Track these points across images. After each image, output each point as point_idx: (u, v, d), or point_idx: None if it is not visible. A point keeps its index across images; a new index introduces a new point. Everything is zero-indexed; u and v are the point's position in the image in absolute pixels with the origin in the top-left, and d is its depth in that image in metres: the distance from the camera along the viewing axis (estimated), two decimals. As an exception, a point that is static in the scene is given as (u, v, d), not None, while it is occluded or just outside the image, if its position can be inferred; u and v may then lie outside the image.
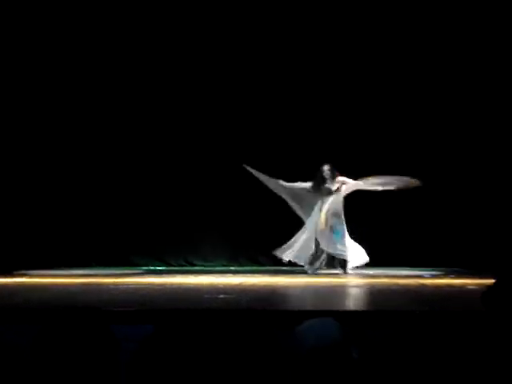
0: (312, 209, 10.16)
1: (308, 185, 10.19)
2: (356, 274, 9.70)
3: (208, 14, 11.53)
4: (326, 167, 10.08)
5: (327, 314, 2.40)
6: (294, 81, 11.55)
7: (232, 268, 11.29)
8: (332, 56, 11.45)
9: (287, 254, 10.04)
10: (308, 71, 11.53)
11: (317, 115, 11.50)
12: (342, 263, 9.87)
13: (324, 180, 10.07)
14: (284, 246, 10.08)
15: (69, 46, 11.50)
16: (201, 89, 11.66)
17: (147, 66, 11.65)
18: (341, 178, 10.08)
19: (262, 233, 11.55)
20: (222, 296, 6.13)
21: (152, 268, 11.36)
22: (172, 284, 7.91)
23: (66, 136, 11.63)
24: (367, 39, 11.32)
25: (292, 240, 10.11)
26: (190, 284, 8.01)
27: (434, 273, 9.70)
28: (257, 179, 11.21)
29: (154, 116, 11.71)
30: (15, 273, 9.53)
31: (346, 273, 9.75)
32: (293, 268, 10.89)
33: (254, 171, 10.30)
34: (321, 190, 10.10)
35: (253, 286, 7.66)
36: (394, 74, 11.34)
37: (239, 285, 7.78)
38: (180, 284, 7.97)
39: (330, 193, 10.05)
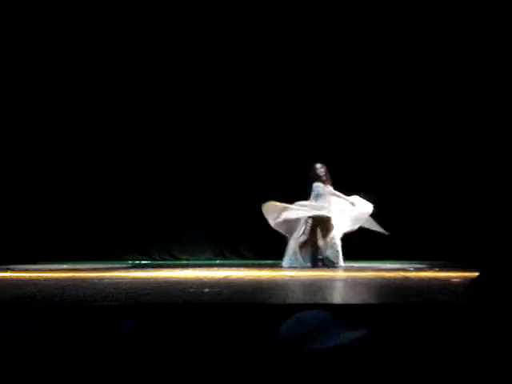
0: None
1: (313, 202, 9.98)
2: (342, 267, 9.74)
3: (206, 14, 11.54)
4: (319, 165, 9.96)
5: (316, 308, 2.41)
6: (288, 83, 11.61)
7: (217, 262, 11.30)
8: (327, 61, 11.48)
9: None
10: (302, 76, 11.57)
11: (308, 118, 11.53)
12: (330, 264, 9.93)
13: (320, 178, 9.94)
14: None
15: (69, 46, 11.48)
16: (193, 87, 11.69)
17: (145, 63, 11.64)
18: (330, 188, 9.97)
19: (247, 227, 11.58)
20: (207, 290, 6.13)
21: (137, 262, 11.35)
22: (157, 278, 7.90)
23: (51, 133, 11.62)
24: (364, 42, 11.35)
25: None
26: (175, 278, 8.00)
27: (418, 266, 9.75)
28: (240, 174, 11.27)
29: (139, 114, 11.71)
30: (-1, 267, 9.50)
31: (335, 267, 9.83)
32: (277, 261, 10.92)
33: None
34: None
35: (238, 279, 7.66)
36: (390, 78, 11.39)
37: (224, 278, 7.78)
38: (165, 278, 7.96)
39: (331, 193, 9.95)
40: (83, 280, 7.58)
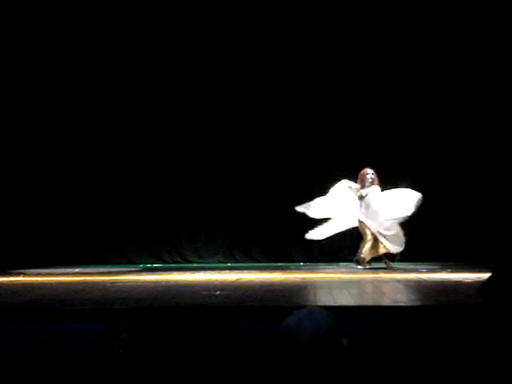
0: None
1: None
2: (354, 269, 9.73)
3: (209, 13, 11.51)
4: (370, 171, 10.07)
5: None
6: (292, 81, 11.53)
7: (228, 264, 11.29)
8: (334, 59, 11.43)
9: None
10: (309, 74, 11.50)
11: (323, 119, 11.46)
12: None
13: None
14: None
15: (69, 46, 11.49)
16: (197, 85, 11.65)
17: (146, 64, 11.63)
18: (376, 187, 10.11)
19: (258, 229, 11.56)
20: (218, 292, 6.14)
21: (148, 265, 11.35)
22: (168, 281, 7.91)
23: (59, 135, 11.63)
24: (369, 41, 11.29)
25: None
26: (187, 281, 8.01)
27: (430, 267, 9.71)
28: (251, 177, 11.29)
29: (147, 114, 11.68)
30: (11, 272, 9.52)
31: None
32: (288, 264, 10.91)
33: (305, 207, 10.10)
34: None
35: (250, 282, 7.66)
36: (397, 76, 11.32)
37: (236, 281, 7.78)
38: (176, 281, 7.97)
39: (361, 198, 10.03)
40: (95, 284, 7.60)
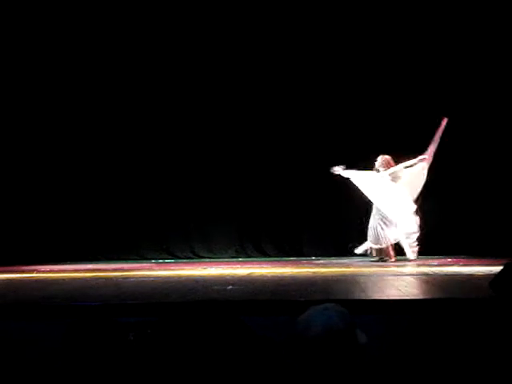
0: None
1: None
2: (364, 263, 9.72)
3: (208, 13, 11.50)
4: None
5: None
6: (292, 79, 11.53)
7: (240, 259, 11.30)
8: (331, 55, 11.42)
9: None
10: (306, 70, 11.49)
11: (333, 111, 11.45)
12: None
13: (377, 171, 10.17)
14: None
15: (69, 46, 11.51)
16: (200, 81, 11.65)
17: (145, 62, 11.64)
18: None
19: (270, 224, 11.56)
20: (230, 287, 6.15)
21: (160, 261, 11.37)
22: (180, 276, 7.93)
23: (70, 130, 11.67)
24: (370, 39, 11.28)
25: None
26: (199, 276, 8.02)
27: (442, 260, 9.69)
28: (263, 171, 11.28)
29: (155, 108, 11.70)
30: (24, 268, 9.56)
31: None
32: (300, 258, 10.92)
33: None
34: None
35: (261, 276, 7.67)
36: (395, 72, 11.31)
37: (247, 275, 7.79)
38: (188, 276, 7.98)
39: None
40: (107, 279, 7.63)
